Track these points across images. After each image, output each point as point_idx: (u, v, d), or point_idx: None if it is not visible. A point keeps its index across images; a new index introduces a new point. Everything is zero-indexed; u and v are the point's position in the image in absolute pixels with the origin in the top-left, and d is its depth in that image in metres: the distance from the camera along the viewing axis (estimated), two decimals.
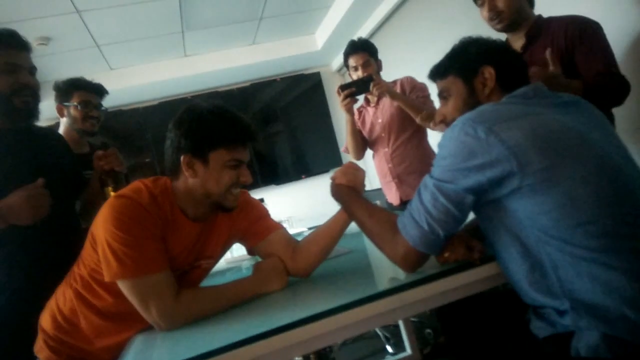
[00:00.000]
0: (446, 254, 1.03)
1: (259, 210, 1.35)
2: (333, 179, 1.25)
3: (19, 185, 1.32)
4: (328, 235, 1.26)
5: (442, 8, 3.00)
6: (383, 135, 2.33)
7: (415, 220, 0.95)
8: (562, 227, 0.84)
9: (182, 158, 1.11)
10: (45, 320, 1.18)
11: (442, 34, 3.00)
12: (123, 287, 1.05)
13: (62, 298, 1.18)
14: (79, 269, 1.17)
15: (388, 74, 2.36)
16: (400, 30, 3.66)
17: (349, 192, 1.18)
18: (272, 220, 1.36)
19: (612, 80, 1.43)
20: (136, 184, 1.16)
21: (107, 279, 1.05)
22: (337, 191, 1.21)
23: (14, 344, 1.30)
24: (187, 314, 1.08)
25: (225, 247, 1.34)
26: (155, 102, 4.51)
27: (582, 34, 1.48)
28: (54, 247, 1.43)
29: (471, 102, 1.05)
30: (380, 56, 2.33)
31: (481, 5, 1.61)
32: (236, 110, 1.17)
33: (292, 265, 1.26)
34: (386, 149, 2.33)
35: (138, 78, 4.09)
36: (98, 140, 1.92)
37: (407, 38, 3.57)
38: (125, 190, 1.14)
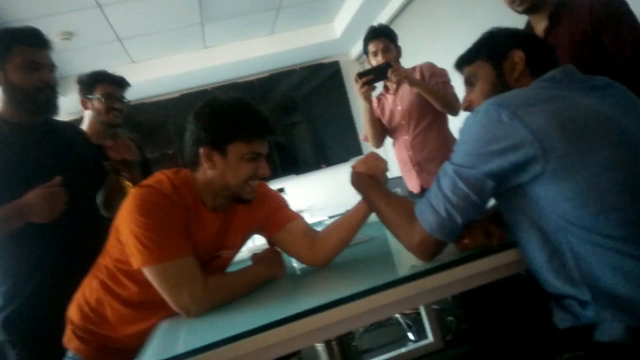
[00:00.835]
0: (465, 241, 1.02)
1: (276, 201, 1.37)
2: (353, 167, 1.25)
3: (41, 179, 1.36)
4: (348, 226, 1.27)
5: None
6: (403, 122, 2.31)
7: (433, 206, 0.93)
8: (584, 214, 0.82)
9: (201, 150, 1.13)
10: (73, 312, 1.22)
11: (462, 20, 2.95)
12: (151, 273, 1.07)
13: (88, 289, 1.21)
14: (104, 260, 1.20)
15: (407, 61, 2.34)
16: (420, 17, 3.61)
17: (368, 181, 1.18)
18: (290, 210, 1.37)
19: (637, 72, 1.37)
20: (157, 175, 1.18)
21: (135, 266, 1.08)
22: (357, 180, 1.21)
23: (43, 335, 1.34)
24: (216, 298, 1.11)
25: (245, 237, 1.36)
26: (177, 94, 4.57)
27: (608, 14, 1.43)
28: (78, 238, 1.47)
29: (499, 86, 1.02)
30: (399, 43, 2.31)
31: None
32: (255, 103, 1.18)
33: (310, 255, 1.28)
34: (406, 137, 2.32)
35: (159, 71, 4.15)
36: (125, 134, 1.97)
37: (426, 24, 3.52)
38: (147, 181, 1.16)
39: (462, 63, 1.10)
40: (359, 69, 4.88)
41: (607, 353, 0.81)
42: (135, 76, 3.65)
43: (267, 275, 1.26)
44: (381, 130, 2.42)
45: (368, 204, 1.19)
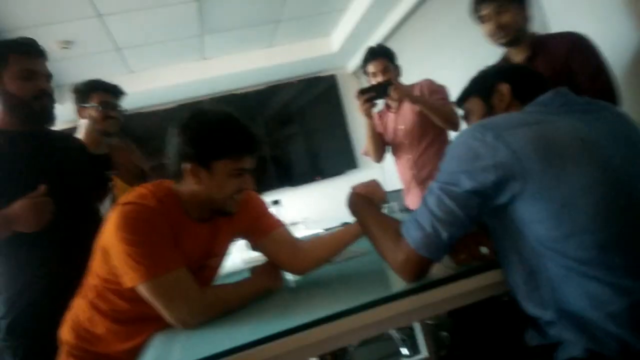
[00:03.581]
0: (462, 255, 1.03)
1: (260, 207, 1.37)
2: (353, 188, 1.26)
3: (35, 186, 1.36)
4: (334, 244, 1.29)
5: (460, 10, 2.98)
6: (406, 142, 2.32)
7: (419, 222, 0.93)
8: (557, 236, 0.84)
9: (186, 165, 1.12)
10: (65, 333, 1.20)
11: (459, 36, 2.98)
12: (145, 289, 1.05)
13: (79, 310, 1.20)
14: (92, 280, 1.18)
15: (405, 77, 2.36)
16: (417, 33, 3.65)
17: (364, 202, 1.19)
18: (273, 217, 1.38)
19: (599, 93, 1.45)
20: (139, 189, 1.17)
21: (129, 284, 1.06)
22: (353, 199, 1.22)
23: (44, 343, 1.32)
24: (213, 309, 1.10)
25: (230, 243, 1.36)
26: (175, 105, 4.57)
27: (577, 44, 1.58)
28: (76, 246, 1.46)
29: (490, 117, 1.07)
30: (397, 59, 2.33)
31: (486, 22, 1.68)
32: (243, 119, 1.17)
33: (290, 264, 1.30)
34: (409, 156, 2.33)
35: (157, 81, 4.16)
36: (122, 143, 1.97)
37: (424, 40, 3.56)
38: (129, 197, 1.14)
39: (459, 101, 1.19)
40: (355, 82, 4.92)
41: None
42: (133, 86, 3.66)
43: (265, 288, 1.25)
44: (382, 146, 2.43)
45: (360, 223, 1.19)
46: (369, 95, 2.13)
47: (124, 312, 1.14)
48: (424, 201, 0.94)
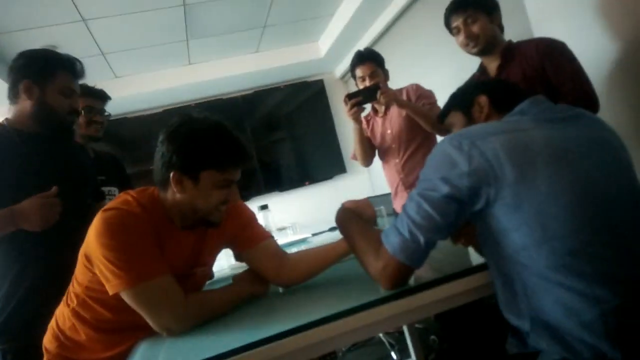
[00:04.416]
0: (462, 239, 1.07)
1: (247, 216, 1.35)
2: (344, 204, 1.26)
3: (43, 187, 1.40)
4: (321, 260, 1.27)
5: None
6: (393, 146, 2.32)
7: (398, 228, 0.95)
8: (530, 244, 0.85)
9: (171, 174, 1.10)
10: (48, 341, 1.18)
11: (446, 40, 2.99)
12: (128, 296, 1.04)
13: (61, 318, 1.18)
14: (74, 289, 1.16)
15: (393, 81, 2.37)
16: (404, 37, 3.67)
17: (352, 216, 1.18)
18: (261, 227, 1.36)
19: (575, 99, 1.50)
20: (122, 196, 1.15)
21: (111, 291, 1.04)
22: (342, 213, 1.22)
23: (34, 344, 1.31)
24: (197, 315, 1.09)
25: (216, 253, 1.35)
26: (160, 110, 4.54)
27: (551, 48, 1.59)
28: (70, 252, 1.46)
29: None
30: (385, 63, 2.34)
31: (457, 33, 1.74)
32: (233, 129, 1.16)
33: (275, 276, 1.28)
34: (397, 160, 2.33)
35: (143, 86, 4.12)
36: (104, 149, 1.98)
37: (411, 44, 3.58)
38: (111, 203, 1.12)
39: (441, 117, 1.24)
40: (343, 87, 4.94)
41: None
42: (118, 91, 3.62)
43: (249, 294, 1.24)
44: (370, 150, 2.43)
45: (344, 235, 1.19)
46: (357, 99, 2.13)
47: (107, 321, 1.12)
48: (404, 208, 0.96)
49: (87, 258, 1.09)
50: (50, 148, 1.53)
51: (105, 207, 1.11)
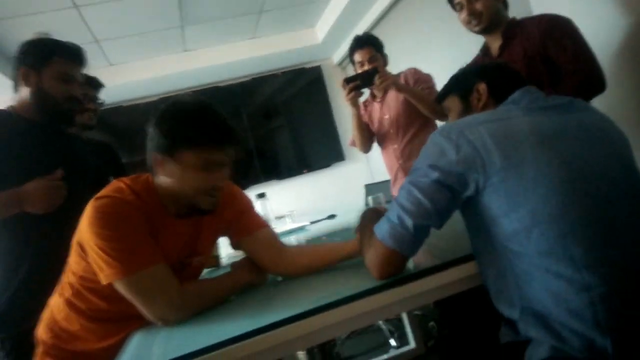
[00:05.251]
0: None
1: (244, 203, 1.33)
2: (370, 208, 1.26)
3: (46, 174, 1.40)
4: (323, 256, 1.24)
5: None
6: (391, 131, 2.31)
7: (388, 216, 0.96)
8: (519, 229, 0.86)
9: (152, 156, 1.08)
10: (42, 332, 1.17)
11: (445, 25, 2.97)
12: (122, 286, 1.02)
13: (55, 309, 1.17)
14: (68, 278, 1.15)
15: (391, 65, 2.35)
16: (403, 21, 3.63)
17: (374, 217, 1.11)
18: (258, 215, 1.34)
19: (578, 80, 1.47)
20: (115, 183, 1.13)
21: (105, 281, 1.02)
22: (365, 213, 1.18)
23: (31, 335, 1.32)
24: (193, 304, 1.07)
25: (213, 241, 1.34)
26: (156, 98, 4.49)
27: (552, 26, 1.54)
28: (68, 241, 1.48)
29: (467, 115, 1.07)
30: (384, 47, 2.31)
31: (460, 10, 1.68)
32: (222, 111, 1.11)
33: (272, 265, 1.26)
34: (395, 146, 2.31)
35: (138, 74, 4.07)
36: (99, 137, 1.96)
37: (410, 29, 3.54)
38: (104, 191, 1.09)
39: (439, 99, 1.23)
40: (341, 74, 4.89)
41: None
42: (112, 79, 3.58)
43: (247, 282, 1.23)
44: (368, 136, 2.41)
45: (359, 231, 1.14)
46: (355, 83, 2.11)
47: (101, 311, 1.11)
48: (397, 197, 0.96)
49: (81, 247, 1.07)
50: (50, 136, 1.53)
51: (98, 194, 1.09)
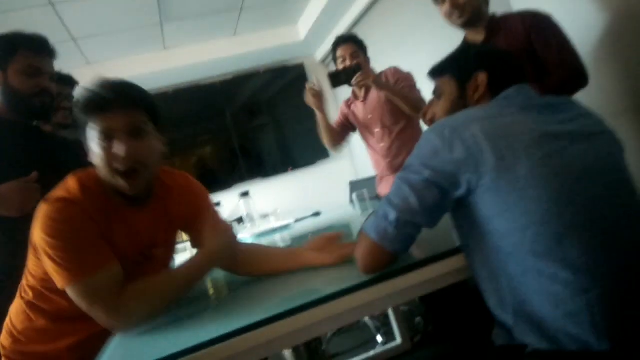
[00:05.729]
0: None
1: (201, 200, 1.30)
2: None
3: (23, 176, 1.36)
4: (281, 267, 1.22)
5: None
6: (377, 130, 2.30)
7: (376, 211, 0.96)
8: (514, 229, 0.84)
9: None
10: (4, 339, 1.15)
11: (427, 23, 2.99)
12: (71, 292, 1.01)
13: (14, 313, 1.15)
14: (27, 281, 1.13)
15: (373, 62, 2.34)
16: (385, 18, 3.64)
17: None
18: (216, 215, 1.30)
19: (564, 74, 1.50)
20: (69, 179, 1.10)
21: (58, 286, 1.02)
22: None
23: None
24: (135, 307, 1.02)
25: (173, 233, 1.29)
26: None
27: (537, 22, 1.56)
28: None
29: (460, 104, 1.06)
30: (367, 49, 2.30)
31: (442, 3, 1.67)
32: (123, 80, 1.13)
33: (227, 265, 1.25)
34: (382, 144, 2.31)
35: (116, 72, 3.93)
36: (73, 135, 1.91)
37: (391, 26, 3.55)
38: (55, 191, 1.07)
39: (433, 74, 1.14)
40: (324, 71, 4.88)
41: None
42: (91, 78, 3.50)
43: (211, 260, 1.13)
44: (337, 136, 2.46)
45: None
46: (338, 79, 2.11)
47: (64, 310, 1.09)
48: (387, 195, 0.96)
49: (35, 248, 1.06)
50: (26, 135, 1.50)
51: (48, 196, 1.06)
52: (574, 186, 0.85)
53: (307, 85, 2.22)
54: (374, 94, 2.26)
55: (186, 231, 1.31)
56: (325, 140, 2.43)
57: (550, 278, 0.82)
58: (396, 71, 2.26)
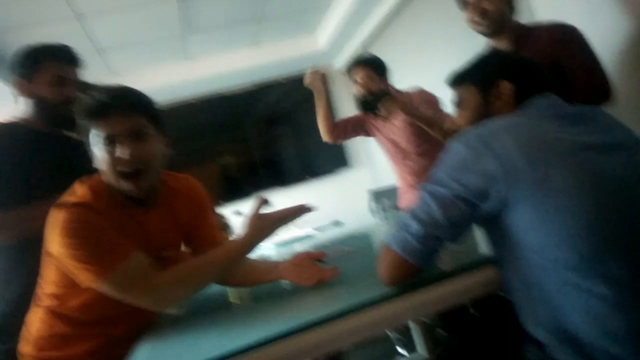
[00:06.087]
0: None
1: (204, 201, 1.33)
2: None
3: (52, 187, 1.32)
4: (263, 278, 1.28)
5: (449, 4, 2.94)
6: (403, 148, 2.26)
7: (399, 223, 0.93)
8: (549, 243, 0.81)
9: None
10: (25, 347, 1.16)
11: (452, 31, 2.93)
12: (104, 287, 1.02)
13: (31, 321, 1.17)
14: (45, 289, 1.15)
15: (396, 74, 2.30)
16: (407, 27, 3.59)
17: None
18: (213, 228, 1.34)
19: (591, 90, 1.47)
20: (75, 186, 1.13)
21: (84, 285, 1.03)
22: None
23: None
24: (176, 285, 1.05)
25: (180, 235, 1.30)
26: (160, 107, 4.49)
27: (565, 38, 1.52)
28: None
29: (483, 113, 1.02)
30: (385, 55, 2.25)
31: (466, 8, 1.63)
32: (123, 85, 1.16)
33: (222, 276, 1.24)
34: (410, 163, 2.26)
35: (140, 83, 4.01)
36: None
37: (414, 35, 3.50)
38: (64, 197, 1.09)
39: (454, 83, 1.11)
40: (344, 80, 4.88)
41: None
42: None
43: (252, 242, 1.12)
44: (338, 131, 2.44)
45: None
46: (367, 106, 2.09)
47: (81, 316, 1.11)
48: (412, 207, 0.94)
49: (55, 258, 1.07)
50: (55, 144, 1.51)
51: (59, 202, 1.07)
52: (612, 198, 0.82)
53: (313, 68, 2.15)
54: (400, 115, 2.21)
55: (188, 235, 1.31)
56: (322, 128, 2.40)
57: (589, 294, 0.78)
58: (421, 94, 2.19)
